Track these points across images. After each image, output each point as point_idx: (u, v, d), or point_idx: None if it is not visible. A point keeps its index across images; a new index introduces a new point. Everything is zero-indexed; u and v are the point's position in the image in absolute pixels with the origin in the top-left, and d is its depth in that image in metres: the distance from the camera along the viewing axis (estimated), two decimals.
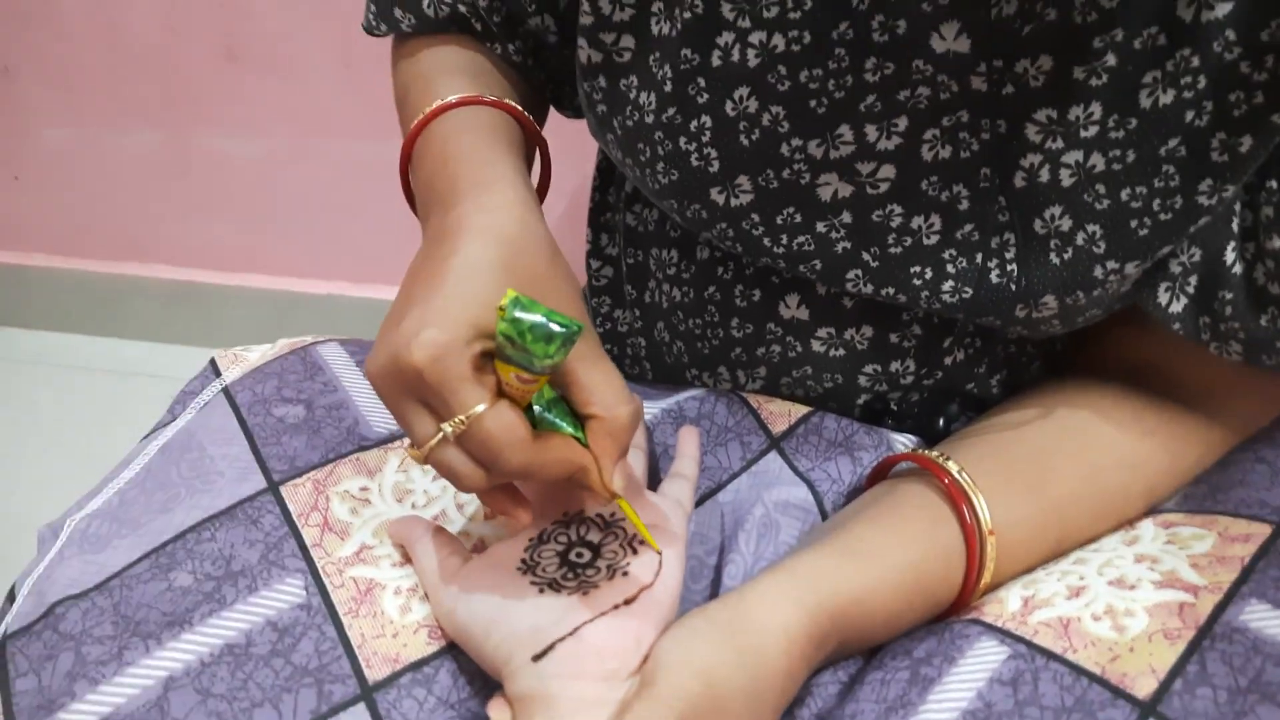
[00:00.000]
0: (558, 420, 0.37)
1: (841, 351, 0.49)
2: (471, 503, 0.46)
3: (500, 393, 0.36)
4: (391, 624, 0.41)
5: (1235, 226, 0.39)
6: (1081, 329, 0.46)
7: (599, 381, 0.36)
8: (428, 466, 0.47)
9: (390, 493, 0.46)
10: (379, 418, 0.49)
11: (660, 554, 0.40)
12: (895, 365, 0.49)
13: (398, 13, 0.51)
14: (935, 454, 0.43)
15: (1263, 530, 0.40)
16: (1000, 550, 0.41)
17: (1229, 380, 0.44)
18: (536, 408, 0.37)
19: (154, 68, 1.18)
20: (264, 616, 0.40)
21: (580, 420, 0.38)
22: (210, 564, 0.42)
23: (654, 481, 0.48)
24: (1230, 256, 0.39)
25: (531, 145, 0.50)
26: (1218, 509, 0.42)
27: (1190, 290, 0.40)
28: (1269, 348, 0.40)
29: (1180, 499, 0.45)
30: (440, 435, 0.35)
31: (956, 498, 0.41)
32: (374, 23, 0.52)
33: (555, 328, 0.33)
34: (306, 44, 1.11)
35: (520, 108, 0.47)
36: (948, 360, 0.49)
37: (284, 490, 0.45)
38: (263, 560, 0.42)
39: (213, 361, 0.53)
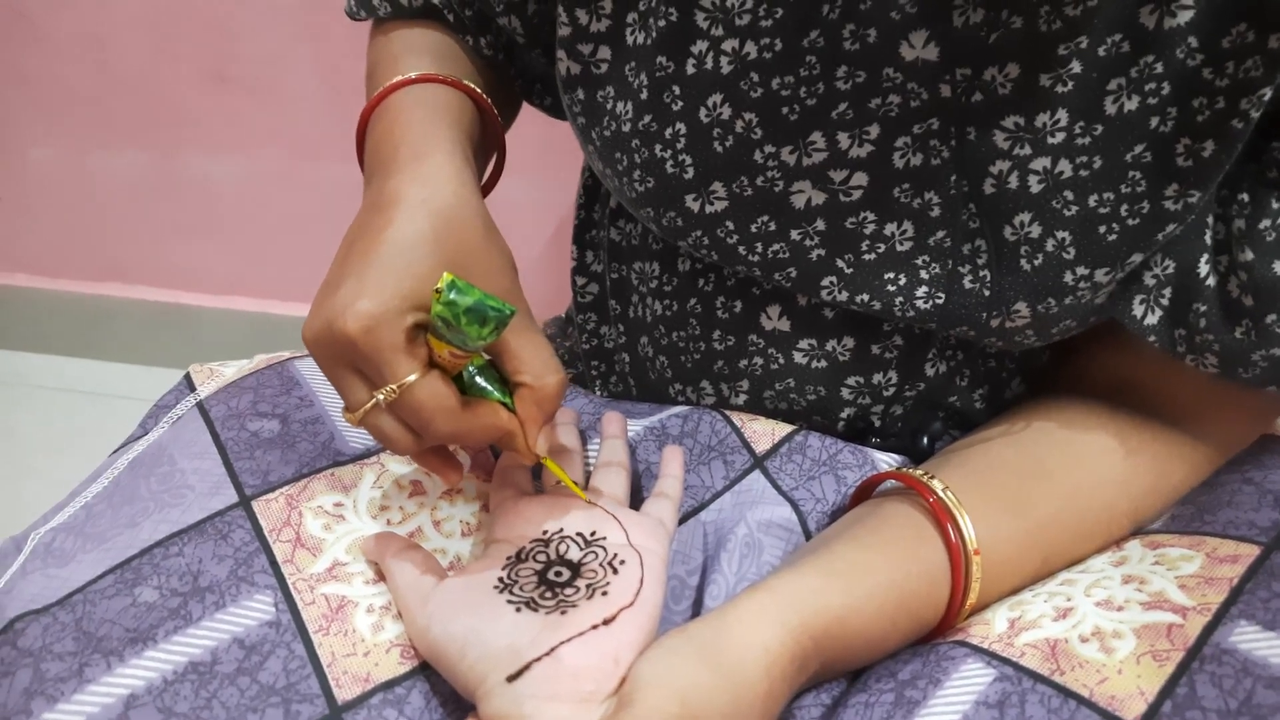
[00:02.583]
0: (487, 386, 0.39)
1: (824, 363, 0.49)
2: (449, 520, 0.45)
3: (431, 362, 0.37)
4: (363, 643, 0.39)
5: (1209, 239, 0.39)
6: (1063, 345, 0.46)
7: (530, 352, 0.38)
8: (405, 484, 0.46)
9: (365, 509, 0.45)
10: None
11: (592, 504, 0.42)
12: (878, 377, 0.49)
13: (375, 0, 0.52)
14: (919, 472, 0.43)
15: (1251, 551, 0.39)
16: (986, 570, 0.41)
17: (1210, 398, 0.43)
18: (467, 372, 0.39)
19: (142, 88, 1.18)
20: (231, 634, 0.39)
21: (509, 386, 0.40)
22: (177, 580, 0.40)
23: (636, 500, 0.48)
24: (1204, 269, 0.39)
25: (491, 130, 0.50)
26: (1205, 530, 0.42)
27: (1165, 303, 0.40)
28: (1244, 360, 0.40)
29: (1168, 519, 0.44)
30: (373, 402, 0.37)
31: (941, 516, 0.41)
32: (354, 8, 0.53)
33: (490, 311, 0.34)
34: (295, 67, 1.11)
35: (479, 90, 0.48)
36: (929, 371, 0.48)
37: (256, 505, 0.44)
38: (231, 576, 0.41)
39: (188, 376, 0.52)
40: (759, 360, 0.50)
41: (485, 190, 0.52)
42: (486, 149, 0.51)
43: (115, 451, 0.49)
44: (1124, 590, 0.40)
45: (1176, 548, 0.42)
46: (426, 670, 0.39)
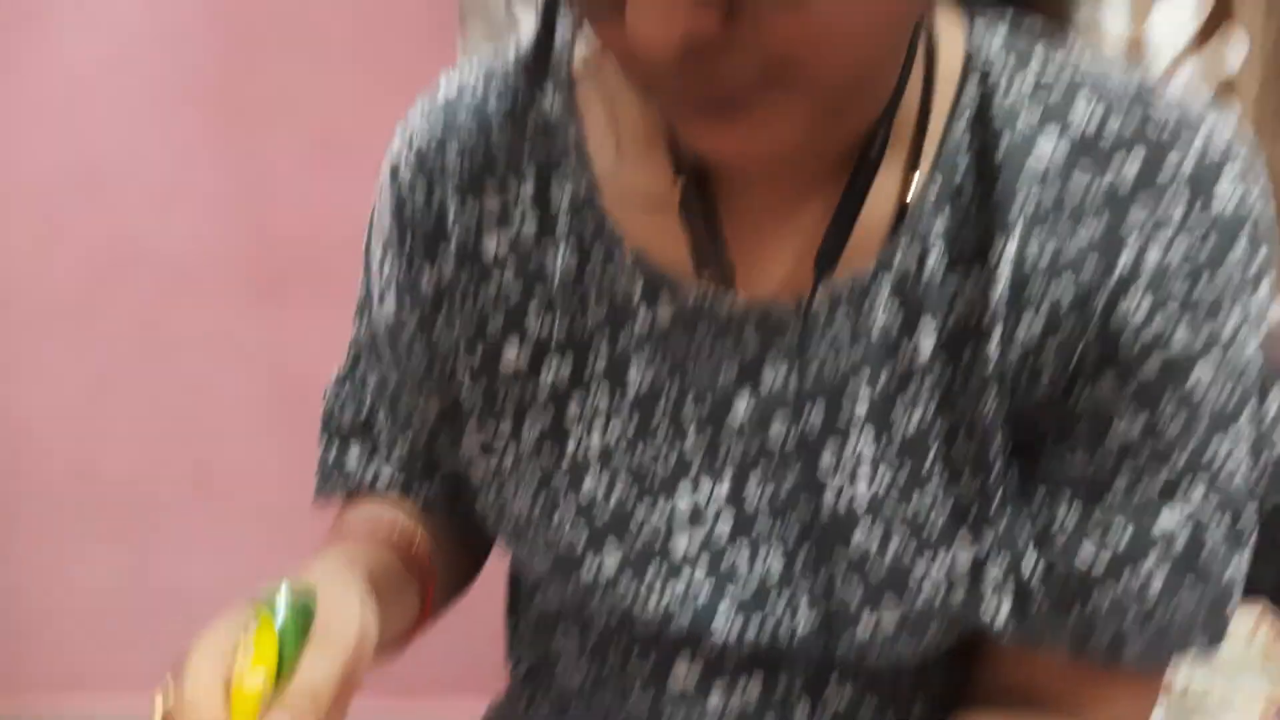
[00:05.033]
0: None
1: (736, 704, 0.50)
2: None
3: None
4: None
5: (1029, 533, 0.43)
6: (959, 658, 0.48)
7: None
8: None
9: None
10: None
11: None
12: (788, 712, 0.50)
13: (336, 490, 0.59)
14: None
15: None
16: None
17: (1093, 685, 0.45)
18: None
19: (122, 492, 1.22)
20: None
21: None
22: None
23: None
24: (1029, 562, 0.43)
25: (421, 581, 0.53)
26: None
27: (1009, 597, 0.43)
28: (1085, 642, 0.42)
29: None
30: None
31: None
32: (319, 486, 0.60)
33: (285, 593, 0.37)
34: (269, 476, 1.16)
35: (406, 539, 0.52)
36: (835, 701, 0.49)
37: None
38: None
39: None
40: (680, 712, 0.51)
41: (409, 635, 0.54)
42: (408, 592, 0.53)
43: None
44: None
45: None
46: None
